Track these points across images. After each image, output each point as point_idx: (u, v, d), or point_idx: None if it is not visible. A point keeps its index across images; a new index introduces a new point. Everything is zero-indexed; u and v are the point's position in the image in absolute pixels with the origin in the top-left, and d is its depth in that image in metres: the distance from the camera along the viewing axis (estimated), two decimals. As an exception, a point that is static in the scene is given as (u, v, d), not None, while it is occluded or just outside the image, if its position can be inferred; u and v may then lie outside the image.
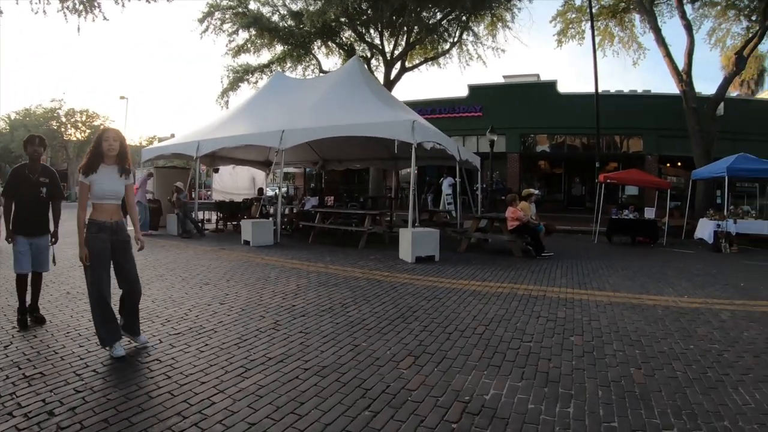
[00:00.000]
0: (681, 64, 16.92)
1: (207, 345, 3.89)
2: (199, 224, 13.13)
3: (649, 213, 13.28)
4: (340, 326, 4.43)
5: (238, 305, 5.18)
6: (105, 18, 11.53)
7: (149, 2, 12.11)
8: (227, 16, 19.32)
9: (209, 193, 19.98)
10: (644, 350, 4.04)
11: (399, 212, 15.90)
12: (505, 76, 26.72)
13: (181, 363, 3.50)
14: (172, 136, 27.48)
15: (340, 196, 15.04)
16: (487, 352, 3.88)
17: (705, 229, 12.46)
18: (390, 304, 5.31)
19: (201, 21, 19.17)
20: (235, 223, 14.17)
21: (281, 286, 6.24)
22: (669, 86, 18.32)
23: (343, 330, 4.32)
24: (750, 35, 16.88)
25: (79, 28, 11.92)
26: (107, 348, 3.67)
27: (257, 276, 6.91)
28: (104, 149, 3.74)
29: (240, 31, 19.51)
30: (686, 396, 3.16)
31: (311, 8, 17.94)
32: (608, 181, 14.11)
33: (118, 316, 3.85)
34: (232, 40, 19.98)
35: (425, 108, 23.88)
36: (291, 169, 23.31)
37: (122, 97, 36.24)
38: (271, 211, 13.91)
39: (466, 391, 3.13)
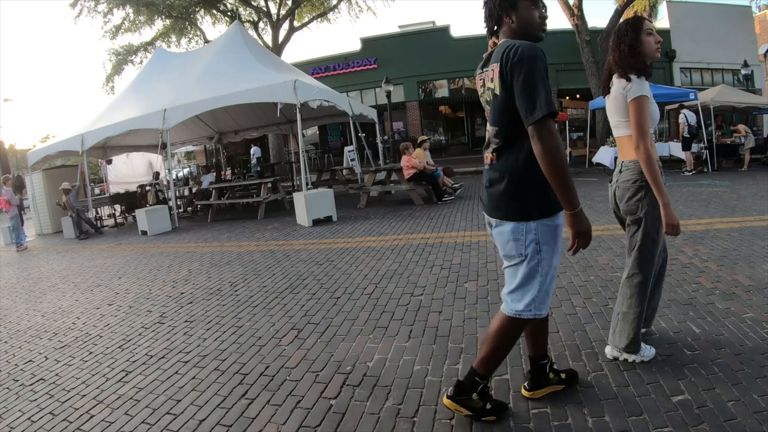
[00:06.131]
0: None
1: (91, 353, 3.73)
2: (95, 222, 12.43)
3: (550, 145, 13.75)
4: (227, 308, 4.38)
5: (127, 303, 5.01)
6: None
7: None
8: None
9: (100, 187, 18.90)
10: (542, 288, 4.00)
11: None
12: (400, 26, 26.47)
13: (64, 378, 3.35)
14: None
15: (238, 169, 14.74)
16: (374, 313, 3.75)
17: (606, 154, 13.08)
18: (280, 276, 5.29)
19: (73, 5, 17.81)
20: (134, 214, 13.52)
21: (173, 274, 6.08)
22: (565, 22, 19.11)
23: (228, 312, 4.26)
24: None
25: None
26: (636, 356, 2.60)
27: (150, 267, 6.68)
28: (650, 49, 2.45)
29: (115, 10, 18.19)
30: (586, 333, 3.02)
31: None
32: (505, 119, 14.55)
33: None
34: (108, 21, 18.63)
35: (319, 66, 23.36)
36: (190, 148, 22.31)
37: (6, 100, 32.79)
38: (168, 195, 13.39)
39: (349, 361, 3.01)
